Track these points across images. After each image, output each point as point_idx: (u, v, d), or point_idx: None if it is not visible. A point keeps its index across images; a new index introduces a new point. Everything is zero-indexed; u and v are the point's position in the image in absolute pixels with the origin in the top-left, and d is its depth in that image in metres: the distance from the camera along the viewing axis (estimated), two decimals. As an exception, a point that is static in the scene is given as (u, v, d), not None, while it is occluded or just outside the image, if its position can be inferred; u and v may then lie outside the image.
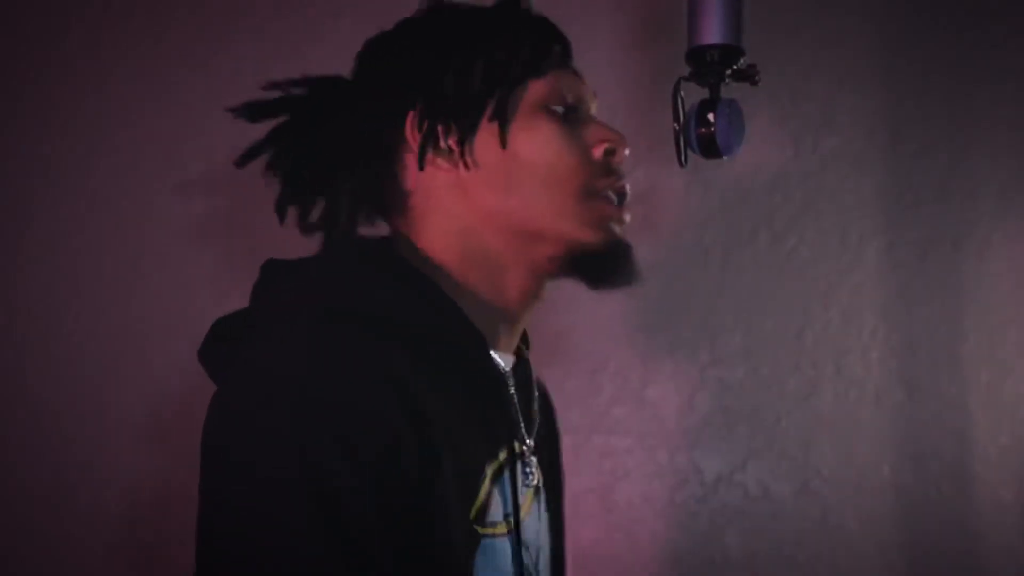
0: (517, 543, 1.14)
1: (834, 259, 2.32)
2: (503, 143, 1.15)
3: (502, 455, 1.14)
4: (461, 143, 1.15)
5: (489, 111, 1.15)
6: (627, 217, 1.22)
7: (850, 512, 2.30)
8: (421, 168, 1.17)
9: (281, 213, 1.20)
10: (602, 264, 1.19)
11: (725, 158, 1.23)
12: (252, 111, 1.21)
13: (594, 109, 1.23)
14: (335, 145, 1.20)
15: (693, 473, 2.31)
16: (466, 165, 1.16)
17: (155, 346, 2.30)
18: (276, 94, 1.22)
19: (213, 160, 2.11)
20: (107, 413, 2.31)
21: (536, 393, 1.28)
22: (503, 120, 1.15)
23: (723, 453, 2.31)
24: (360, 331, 1.05)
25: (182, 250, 2.28)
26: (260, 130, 1.22)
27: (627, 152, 1.21)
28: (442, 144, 1.16)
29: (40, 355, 2.34)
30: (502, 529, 1.12)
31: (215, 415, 1.05)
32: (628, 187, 1.22)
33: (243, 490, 0.99)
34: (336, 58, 1.25)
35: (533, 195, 1.15)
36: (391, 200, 1.20)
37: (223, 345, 1.14)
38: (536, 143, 1.16)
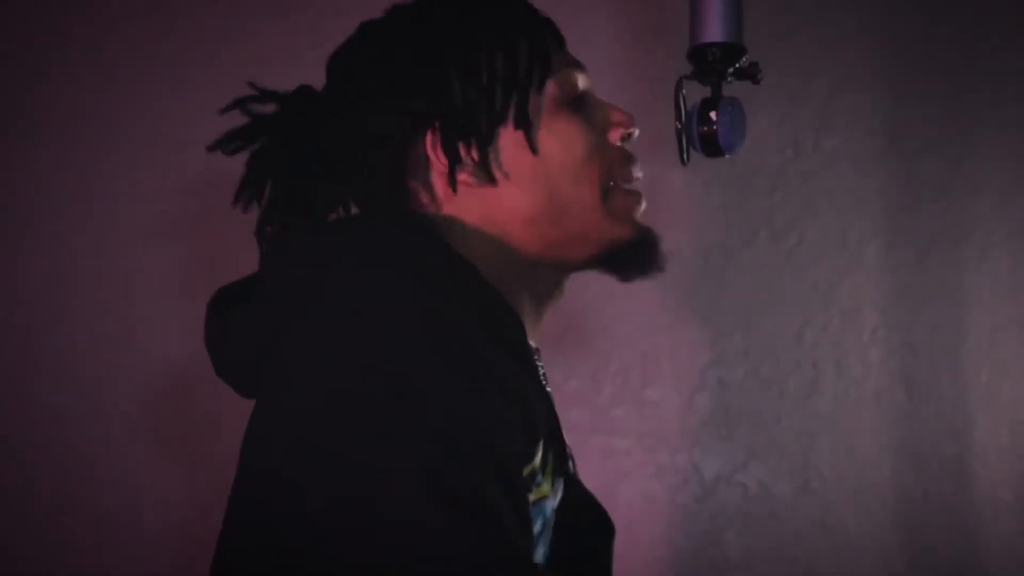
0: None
1: (834, 259, 2.32)
2: (533, 149, 1.14)
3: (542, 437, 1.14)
4: (485, 157, 1.13)
5: (511, 119, 1.14)
6: (644, 204, 1.21)
7: (850, 512, 2.30)
8: (454, 191, 1.14)
9: (261, 236, 1.16)
10: (636, 256, 1.19)
11: (727, 156, 1.23)
12: (229, 143, 1.18)
13: (589, 83, 1.22)
14: (330, 165, 1.18)
15: (693, 473, 2.31)
16: (494, 179, 1.14)
17: (154, 344, 2.30)
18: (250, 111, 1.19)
19: (215, 160, 2.11)
20: (104, 411, 2.31)
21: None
22: (527, 125, 1.14)
23: (723, 453, 2.31)
24: (444, 301, 1.01)
25: (183, 250, 2.28)
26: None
27: (637, 132, 1.21)
28: (466, 159, 1.14)
29: (37, 352, 2.34)
30: (533, 497, 1.10)
31: (297, 404, 0.97)
32: (640, 175, 1.21)
33: (360, 489, 0.91)
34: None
35: (565, 197, 1.15)
36: (413, 205, 1.18)
37: (251, 321, 1.08)
38: (563, 143, 1.15)
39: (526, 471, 1.05)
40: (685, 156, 1.25)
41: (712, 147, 1.23)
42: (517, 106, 1.14)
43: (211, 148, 1.18)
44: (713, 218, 2.34)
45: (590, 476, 2.29)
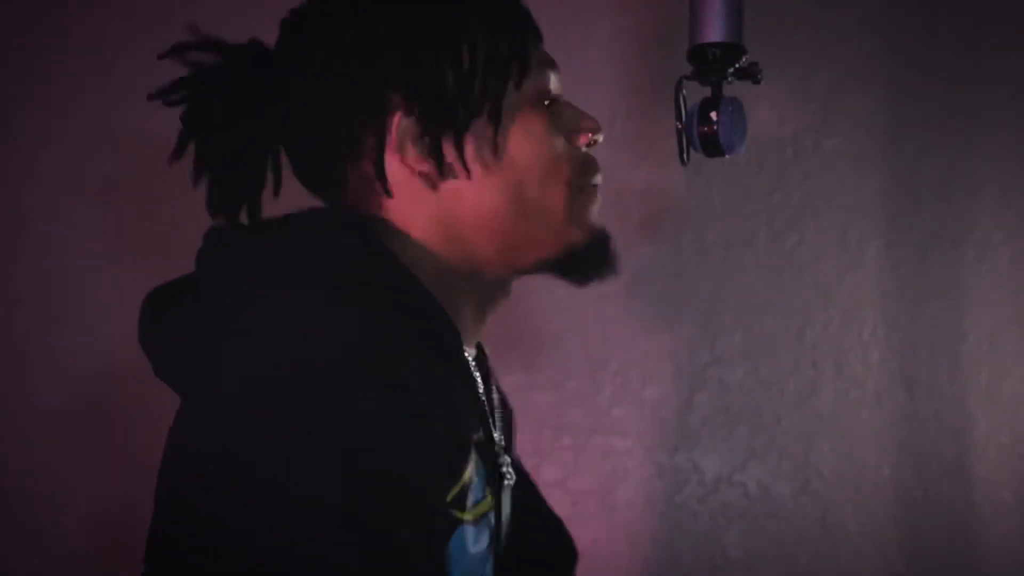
0: (497, 531, 1.11)
1: (834, 259, 2.32)
2: (499, 152, 1.10)
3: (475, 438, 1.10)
4: (459, 151, 1.09)
5: (486, 112, 1.10)
6: (599, 201, 1.17)
7: (850, 512, 2.30)
8: (434, 188, 1.10)
9: (212, 198, 1.12)
10: (588, 259, 1.15)
11: (727, 156, 1.23)
12: (170, 93, 1.12)
13: (560, 85, 1.18)
14: (284, 130, 1.12)
15: (693, 473, 2.31)
16: (467, 172, 1.09)
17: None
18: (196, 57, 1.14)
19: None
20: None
21: (493, 385, 1.24)
22: (499, 123, 1.10)
23: (723, 453, 2.31)
24: (379, 307, 0.99)
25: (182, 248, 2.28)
26: None
27: (601, 139, 1.17)
28: (439, 155, 1.09)
29: (37, 353, 2.34)
30: (470, 516, 1.07)
31: (216, 411, 0.95)
32: (600, 176, 1.18)
33: (267, 506, 0.89)
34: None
35: (533, 197, 1.11)
36: (357, 191, 1.12)
37: (185, 320, 1.05)
38: (532, 142, 1.11)
39: (453, 491, 1.01)
40: (685, 156, 1.25)
41: (712, 147, 1.23)
42: (493, 100, 1.10)
43: (151, 97, 1.12)
44: (713, 218, 2.34)
45: (590, 476, 2.30)
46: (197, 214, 1.14)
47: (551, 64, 1.16)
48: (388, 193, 1.10)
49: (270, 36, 1.16)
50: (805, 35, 2.34)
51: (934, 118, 2.32)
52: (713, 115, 1.21)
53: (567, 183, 1.13)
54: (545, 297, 2.09)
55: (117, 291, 2.30)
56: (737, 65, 1.23)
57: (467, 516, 1.05)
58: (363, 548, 0.89)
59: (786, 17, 2.31)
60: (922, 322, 2.31)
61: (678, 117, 1.25)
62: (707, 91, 1.24)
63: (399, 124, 1.09)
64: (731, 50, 1.22)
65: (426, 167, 1.10)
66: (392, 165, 1.10)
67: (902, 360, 2.31)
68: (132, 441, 2.24)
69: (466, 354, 1.13)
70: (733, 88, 1.24)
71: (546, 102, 1.13)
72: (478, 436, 1.10)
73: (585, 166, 1.16)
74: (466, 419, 1.05)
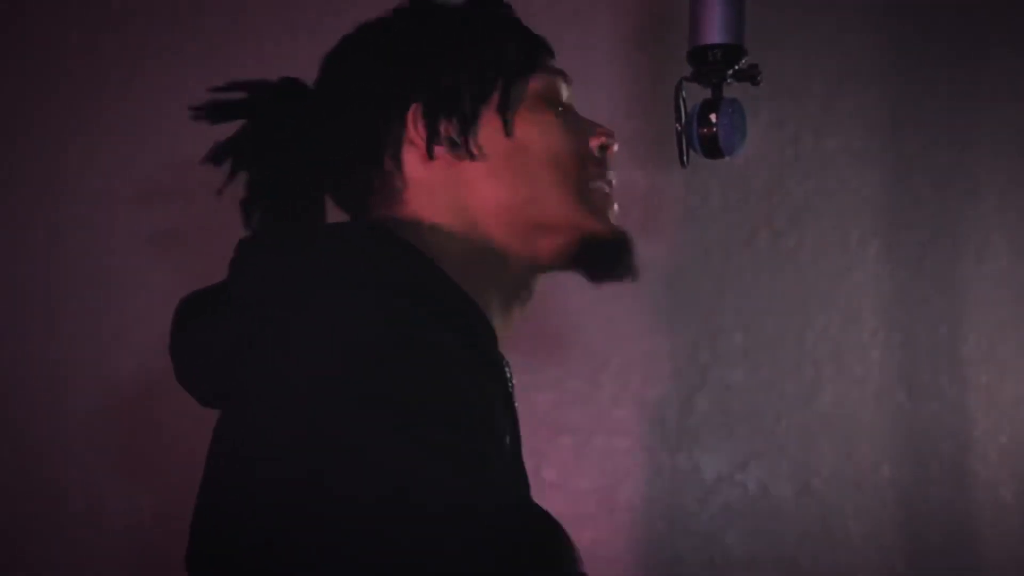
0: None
1: (834, 259, 2.32)
2: (508, 131, 1.15)
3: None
4: (465, 133, 1.15)
5: (495, 101, 1.16)
6: (616, 208, 1.22)
7: (850, 512, 2.30)
8: (431, 157, 1.15)
9: (248, 213, 1.18)
10: (608, 254, 1.19)
11: (727, 158, 1.23)
12: (215, 113, 1.19)
13: (572, 98, 1.24)
14: (316, 150, 1.19)
15: (693, 473, 2.31)
16: (471, 155, 1.15)
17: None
18: (237, 94, 1.21)
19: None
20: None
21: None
22: (507, 108, 1.15)
23: (723, 453, 2.31)
24: (414, 310, 1.02)
25: (183, 251, 2.28)
26: None
27: (616, 148, 1.22)
28: (443, 135, 1.15)
29: (37, 352, 2.34)
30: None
31: (292, 413, 0.96)
32: (614, 181, 1.22)
33: (384, 491, 0.91)
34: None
35: (542, 184, 1.16)
36: (381, 194, 1.18)
37: (220, 328, 1.08)
38: (540, 132, 1.16)
39: None
40: (685, 158, 1.25)
41: (712, 149, 1.23)
42: (502, 89, 1.16)
43: (193, 111, 1.19)
44: (713, 218, 2.34)
45: (590, 476, 2.30)
46: (234, 221, 1.17)
47: (563, 75, 1.21)
48: (404, 187, 1.16)
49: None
50: (805, 35, 2.34)
51: (934, 118, 2.33)
52: (713, 117, 1.21)
53: (578, 175, 1.17)
54: (545, 297, 2.09)
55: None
56: (737, 66, 1.23)
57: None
58: (484, 531, 0.91)
59: (786, 17, 2.31)
60: (922, 322, 2.31)
61: (678, 119, 1.25)
62: (707, 92, 1.24)
63: (411, 116, 1.15)
64: (731, 51, 1.22)
65: (439, 151, 1.15)
66: (410, 159, 1.16)
67: (902, 360, 2.31)
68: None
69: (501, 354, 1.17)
70: (733, 89, 1.24)
71: (559, 107, 1.19)
72: (508, 441, 1.12)
73: (597, 165, 1.20)
74: (500, 420, 1.08)
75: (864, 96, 2.34)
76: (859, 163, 2.34)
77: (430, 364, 0.97)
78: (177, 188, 2.24)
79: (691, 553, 2.29)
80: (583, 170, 1.18)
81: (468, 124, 1.15)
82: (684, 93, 1.25)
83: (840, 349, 2.32)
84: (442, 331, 1.02)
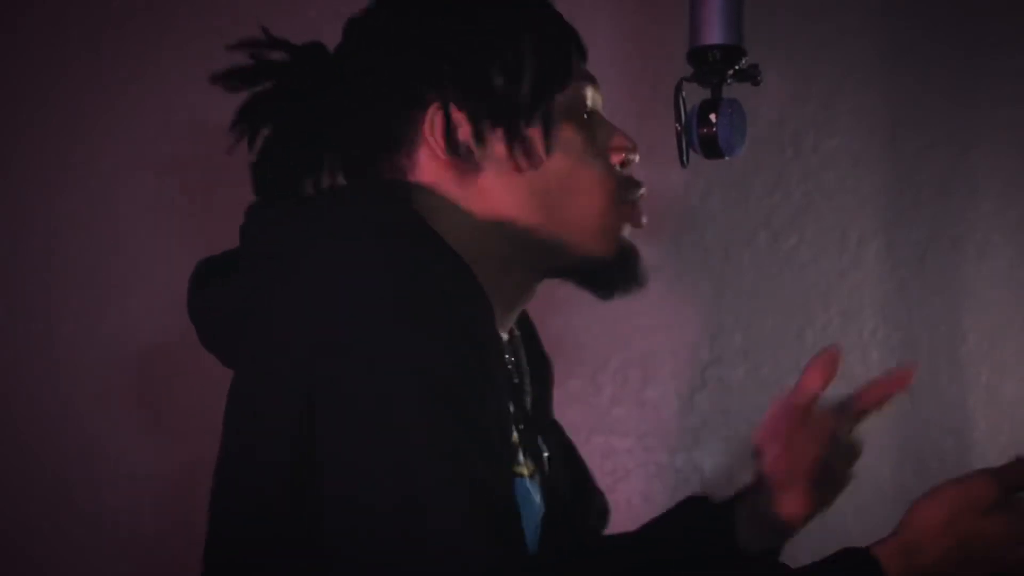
0: (543, 486, 1.17)
1: (834, 259, 2.32)
2: (547, 149, 1.12)
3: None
4: (510, 145, 1.12)
5: (534, 117, 1.12)
6: (644, 219, 1.20)
7: (850, 512, 2.29)
8: (462, 183, 1.13)
9: (258, 176, 1.17)
10: (612, 275, 1.18)
11: (727, 158, 1.24)
12: (233, 79, 1.17)
13: (601, 103, 1.21)
14: (332, 123, 1.17)
15: (693, 473, 2.31)
16: (518, 167, 1.12)
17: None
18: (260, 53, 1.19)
19: (212, 161, 2.10)
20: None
21: (527, 369, 1.26)
22: (548, 127, 1.12)
23: (723, 453, 2.31)
24: (417, 270, 1.02)
25: (183, 244, 2.28)
26: None
27: (637, 159, 1.20)
28: (461, 140, 1.12)
29: (36, 350, 2.34)
30: (522, 471, 1.13)
31: (305, 356, 0.98)
32: (643, 189, 1.20)
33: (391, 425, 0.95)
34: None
35: (556, 207, 1.13)
36: (391, 175, 1.16)
37: (233, 288, 1.10)
38: (564, 155, 1.14)
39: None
40: (685, 158, 1.25)
41: (712, 149, 1.23)
42: (544, 106, 1.13)
43: (213, 80, 1.17)
44: (713, 218, 2.34)
45: (590, 476, 2.29)
46: (236, 221, 1.17)
47: (591, 79, 1.19)
48: (418, 184, 1.13)
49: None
50: (805, 35, 2.34)
51: (934, 118, 2.33)
52: (712, 117, 1.22)
53: (604, 199, 1.15)
54: (545, 297, 2.09)
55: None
56: (737, 67, 1.23)
57: (523, 470, 1.13)
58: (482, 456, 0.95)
59: (786, 17, 2.31)
60: (922, 322, 2.31)
61: (678, 119, 1.25)
62: (707, 93, 1.24)
63: (432, 118, 1.12)
64: (731, 52, 1.23)
65: (455, 160, 1.13)
66: (424, 159, 1.14)
67: (902, 360, 2.31)
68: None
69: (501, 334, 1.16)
70: (732, 89, 1.24)
71: (584, 115, 1.16)
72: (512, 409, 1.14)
73: (623, 185, 1.18)
74: (500, 392, 1.09)
75: (864, 96, 2.34)
76: (859, 163, 2.34)
77: (434, 327, 0.98)
78: (178, 188, 2.25)
79: (691, 553, 2.29)
80: (609, 194, 1.16)
81: (513, 137, 1.12)
82: (684, 93, 1.25)
83: (840, 349, 2.31)
84: (447, 293, 1.02)
